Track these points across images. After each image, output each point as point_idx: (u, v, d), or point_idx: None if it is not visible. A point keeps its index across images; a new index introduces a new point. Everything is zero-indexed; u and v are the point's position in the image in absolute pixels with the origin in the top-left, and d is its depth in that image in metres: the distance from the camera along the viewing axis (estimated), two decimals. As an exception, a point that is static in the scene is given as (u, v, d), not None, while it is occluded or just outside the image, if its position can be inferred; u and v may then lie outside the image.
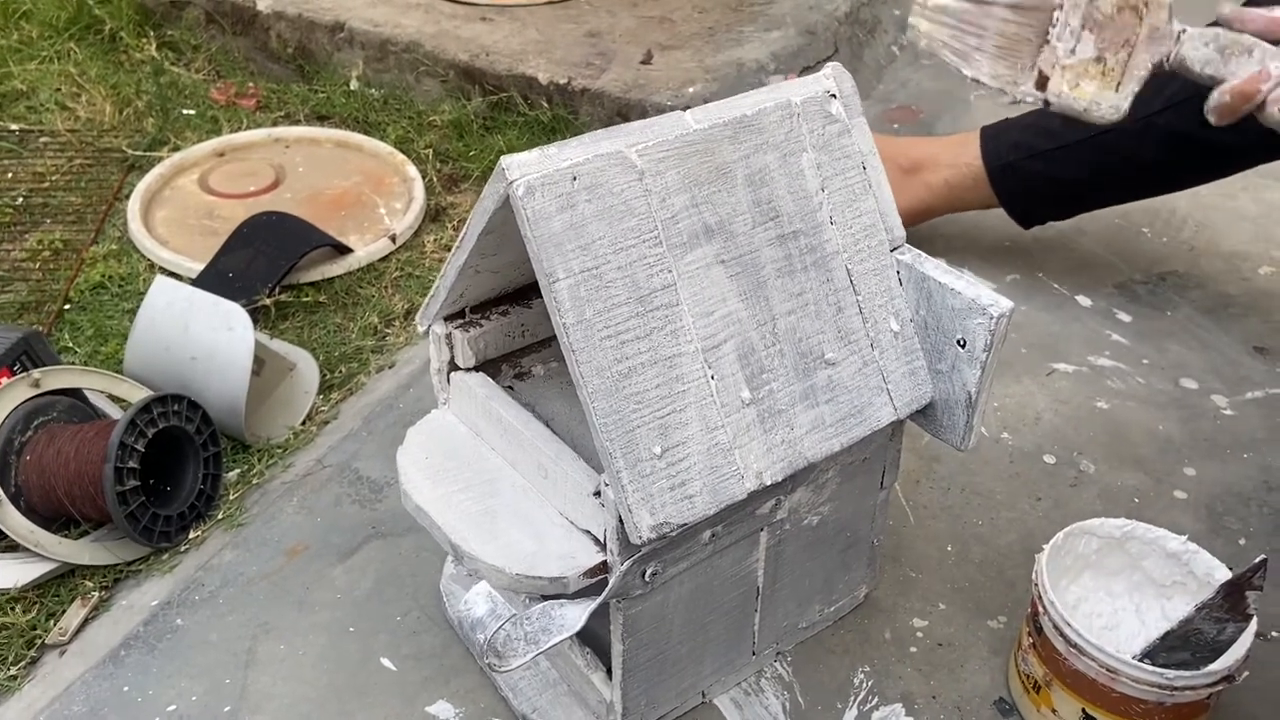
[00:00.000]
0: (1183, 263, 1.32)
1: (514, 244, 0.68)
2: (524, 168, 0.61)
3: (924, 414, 0.75)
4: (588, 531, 0.69)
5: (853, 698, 0.81)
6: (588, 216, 0.62)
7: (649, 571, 0.68)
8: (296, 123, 1.61)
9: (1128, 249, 1.34)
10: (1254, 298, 1.26)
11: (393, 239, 1.34)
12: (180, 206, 1.41)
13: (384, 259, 1.33)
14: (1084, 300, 1.25)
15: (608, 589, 0.67)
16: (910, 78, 1.75)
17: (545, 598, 0.68)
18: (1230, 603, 0.68)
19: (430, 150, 1.51)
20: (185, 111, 1.62)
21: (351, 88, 1.65)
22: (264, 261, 1.23)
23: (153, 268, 1.29)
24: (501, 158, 0.61)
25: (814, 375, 0.69)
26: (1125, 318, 1.22)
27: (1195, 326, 1.21)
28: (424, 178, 1.45)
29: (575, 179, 0.62)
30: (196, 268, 1.25)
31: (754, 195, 0.68)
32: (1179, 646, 0.71)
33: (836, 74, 0.71)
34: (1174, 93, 1.08)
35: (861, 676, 0.83)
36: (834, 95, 0.71)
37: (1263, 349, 1.18)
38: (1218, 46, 0.86)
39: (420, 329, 0.77)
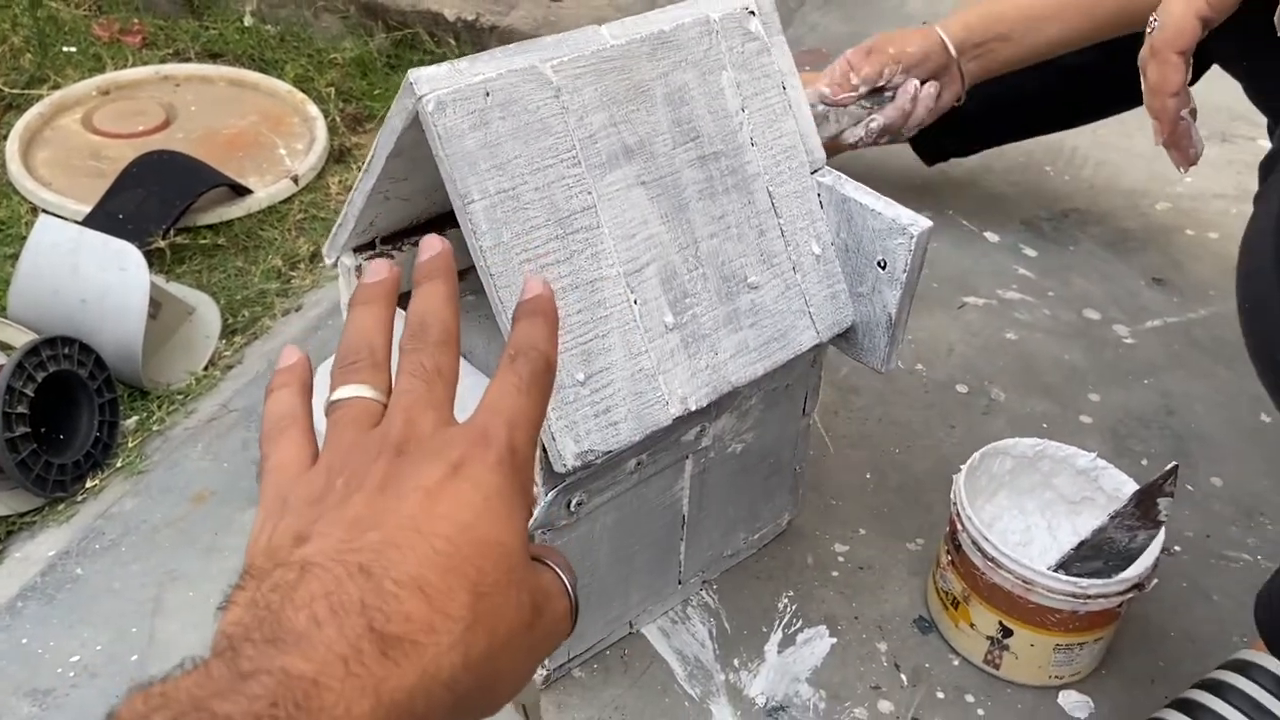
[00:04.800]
0: (1084, 199, 1.35)
1: (424, 169, 0.65)
2: (433, 82, 0.58)
3: (845, 338, 0.75)
4: (510, 462, 0.67)
5: (777, 621, 0.82)
6: (502, 135, 0.60)
7: (574, 501, 0.67)
8: (186, 60, 1.52)
9: (1032, 187, 1.37)
10: (1151, 232, 1.30)
11: (295, 180, 1.28)
12: (63, 147, 1.33)
13: (286, 201, 1.27)
14: (991, 236, 1.27)
15: (532, 519, 0.65)
16: (819, 21, 1.74)
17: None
18: (1142, 510, 0.70)
19: (332, 89, 1.45)
20: (66, 49, 1.52)
21: (246, 24, 1.57)
22: (156, 202, 1.17)
23: (35, 210, 1.22)
24: (409, 71, 0.58)
25: (737, 299, 0.68)
26: (1031, 252, 1.25)
27: (1097, 260, 1.24)
28: (326, 118, 1.39)
29: (488, 95, 0.59)
30: (83, 210, 1.18)
31: (674, 115, 0.66)
32: (1091, 556, 0.73)
33: (755, -9, 0.70)
34: None
35: (786, 601, 0.83)
36: (753, 12, 0.69)
37: (1160, 280, 1.22)
38: None
39: (328, 261, 0.74)
